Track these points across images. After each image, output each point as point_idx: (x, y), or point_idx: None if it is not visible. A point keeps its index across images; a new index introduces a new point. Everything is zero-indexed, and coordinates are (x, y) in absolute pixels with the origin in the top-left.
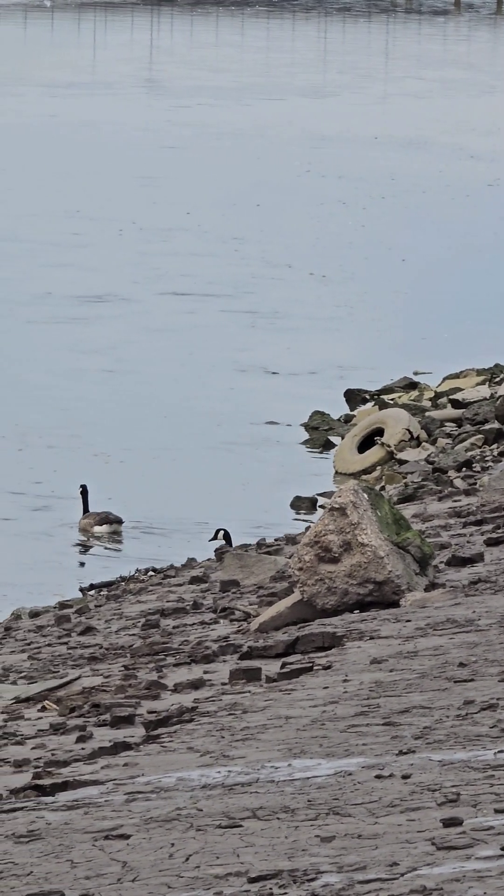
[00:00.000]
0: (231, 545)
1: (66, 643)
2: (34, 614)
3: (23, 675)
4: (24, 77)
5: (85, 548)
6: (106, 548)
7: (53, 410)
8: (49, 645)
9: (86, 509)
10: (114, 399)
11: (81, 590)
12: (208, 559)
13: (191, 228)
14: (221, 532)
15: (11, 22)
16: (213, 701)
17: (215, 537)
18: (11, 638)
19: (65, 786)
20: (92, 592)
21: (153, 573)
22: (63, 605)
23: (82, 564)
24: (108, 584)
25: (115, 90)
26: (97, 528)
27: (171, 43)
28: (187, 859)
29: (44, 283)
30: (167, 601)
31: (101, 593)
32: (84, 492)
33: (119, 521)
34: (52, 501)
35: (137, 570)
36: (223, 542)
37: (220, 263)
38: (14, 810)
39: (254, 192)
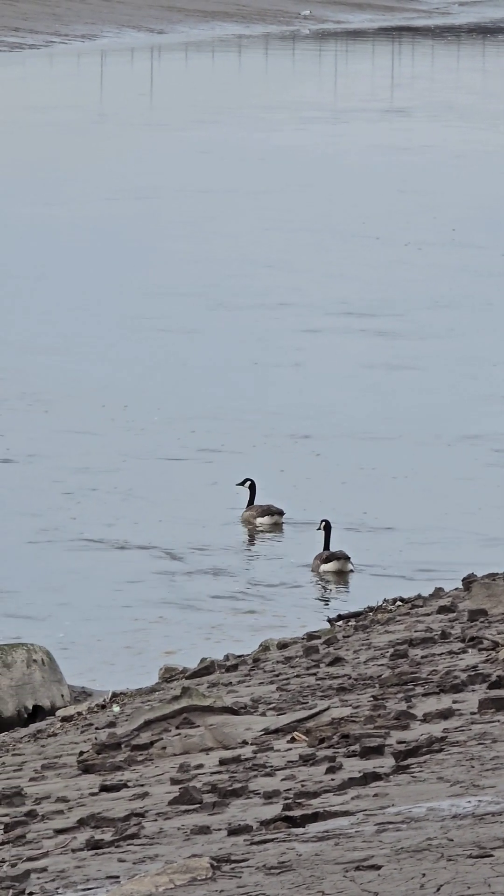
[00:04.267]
0: (330, 534)
1: (314, 674)
2: (282, 645)
3: (272, 706)
4: (289, 102)
5: (324, 584)
6: (349, 575)
7: (316, 418)
8: (297, 676)
9: (251, 503)
10: (381, 415)
11: (329, 620)
12: (456, 588)
13: (465, 244)
14: (323, 522)
15: (253, 52)
16: (463, 730)
17: (321, 527)
18: (260, 669)
19: (315, 817)
20: (340, 623)
21: (401, 603)
22: (311, 636)
23: (327, 594)
24: (355, 615)
25: (392, 115)
26: (259, 520)
27: (412, 69)
28: (438, 889)
29: (334, 294)
30: (415, 631)
31: (349, 623)
32: (252, 486)
33: (280, 513)
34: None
35: (385, 600)
36: (324, 532)
37: (487, 281)
38: (265, 842)
39: None
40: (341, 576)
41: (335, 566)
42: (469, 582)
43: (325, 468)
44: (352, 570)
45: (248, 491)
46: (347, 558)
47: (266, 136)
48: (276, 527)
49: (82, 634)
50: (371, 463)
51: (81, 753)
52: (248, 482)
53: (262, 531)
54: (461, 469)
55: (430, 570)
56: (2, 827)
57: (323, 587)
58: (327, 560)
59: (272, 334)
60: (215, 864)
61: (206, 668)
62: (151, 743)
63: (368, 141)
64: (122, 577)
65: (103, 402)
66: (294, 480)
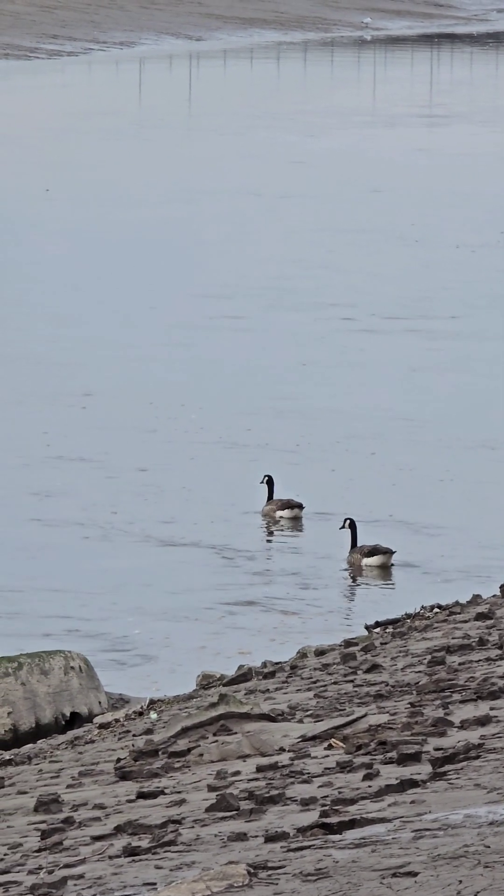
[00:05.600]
0: (356, 532)
1: (351, 681)
2: (320, 652)
3: (309, 713)
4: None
5: (354, 582)
6: (386, 583)
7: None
8: (335, 683)
9: (270, 497)
10: (428, 417)
11: (367, 627)
12: (494, 595)
13: None
14: (348, 521)
15: (292, 58)
16: (500, 737)
17: (344, 526)
18: (297, 676)
19: (352, 824)
20: (377, 630)
21: (438, 610)
22: (349, 643)
23: (367, 601)
24: (393, 622)
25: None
26: (279, 513)
27: (451, 75)
28: None
29: (385, 295)
30: (453, 638)
31: (387, 631)
32: (270, 482)
33: (300, 507)
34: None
35: (423, 606)
36: (350, 530)
37: None
38: (302, 849)
39: None
40: (385, 570)
41: (380, 560)
42: None
43: (372, 468)
44: (392, 564)
45: (266, 487)
46: (392, 552)
47: (312, 141)
48: (297, 520)
49: (154, 633)
50: (415, 465)
51: (118, 760)
52: (267, 478)
53: (282, 525)
54: (478, 479)
55: (468, 576)
56: (39, 833)
57: (374, 587)
58: (371, 554)
59: (324, 335)
60: (252, 870)
61: (244, 675)
62: (188, 750)
63: (414, 145)
64: (183, 577)
65: (153, 400)
66: (343, 480)
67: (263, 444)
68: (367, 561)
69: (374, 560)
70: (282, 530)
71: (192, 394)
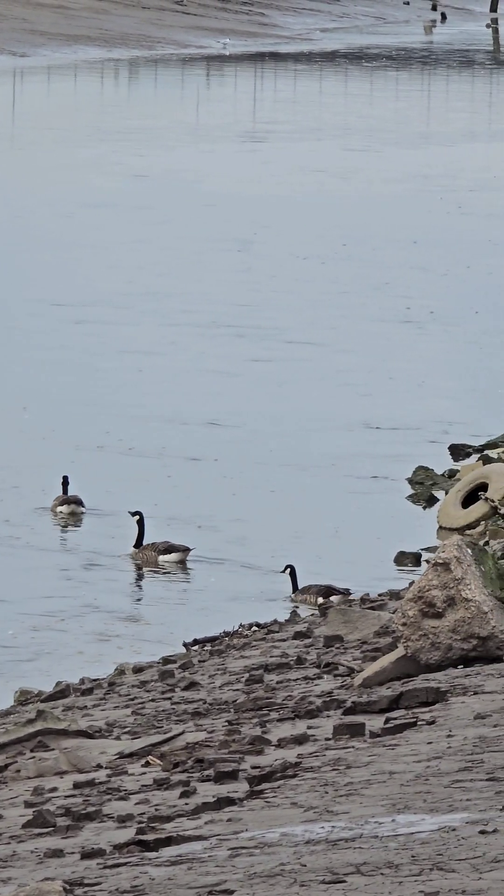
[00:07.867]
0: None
1: (169, 698)
2: (138, 669)
3: (126, 730)
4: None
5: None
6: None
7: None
8: (153, 700)
9: (65, 493)
10: (218, 448)
11: (185, 645)
12: (312, 614)
13: (357, 259)
14: (137, 516)
15: (118, 76)
16: (317, 756)
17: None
18: (115, 693)
19: (168, 841)
20: (195, 647)
21: (257, 628)
22: (167, 661)
23: (185, 618)
24: (211, 639)
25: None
26: (59, 508)
27: (275, 94)
28: None
29: (218, 306)
30: (271, 656)
31: (205, 648)
32: (65, 481)
33: (79, 503)
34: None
35: (241, 625)
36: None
37: (386, 294)
38: (118, 865)
39: (412, 230)
40: (182, 566)
41: (177, 557)
42: (325, 608)
43: (204, 476)
44: (186, 561)
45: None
46: (188, 549)
47: (152, 155)
48: (75, 516)
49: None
50: (249, 476)
51: None
52: (64, 477)
53: (63, 519)
54: (326, 491)
55: (286, 595)
56: None
57: (196, 602)
58: (167, 551)
59: (174, 340)
60: (68, 887)
61: (62, 692)
62: (6, 766)
63: (255, 159)
64: (27, 583)
65: None
66: (170, 486)
67: (99, 447)
68: (163, 558)
69: (172, 557)
70: (66, 527)
71: (33, 395)
